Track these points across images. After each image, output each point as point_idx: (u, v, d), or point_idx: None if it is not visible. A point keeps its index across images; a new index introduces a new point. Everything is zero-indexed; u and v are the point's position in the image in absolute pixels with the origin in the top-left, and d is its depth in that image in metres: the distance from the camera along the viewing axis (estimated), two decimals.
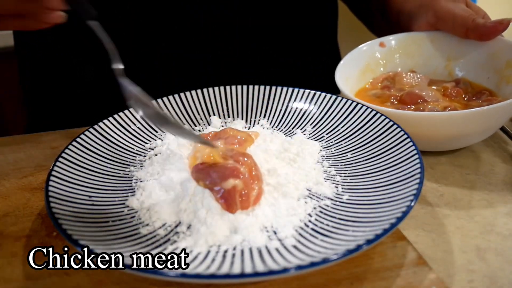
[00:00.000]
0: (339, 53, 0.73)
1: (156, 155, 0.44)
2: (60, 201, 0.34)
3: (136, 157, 0.44)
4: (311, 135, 0.46)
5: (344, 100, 0.47)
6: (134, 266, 0.27)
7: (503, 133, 0.50)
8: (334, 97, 0.48)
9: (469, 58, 0.55)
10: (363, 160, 0.41)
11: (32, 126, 0.67)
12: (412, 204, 0.31)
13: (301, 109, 0.49)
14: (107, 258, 0.28)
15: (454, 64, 0.56)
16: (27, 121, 0.68)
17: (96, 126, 0.44)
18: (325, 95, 0.49)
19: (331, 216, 0.34)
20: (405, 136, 0.39)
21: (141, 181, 0.40)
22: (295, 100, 0.50)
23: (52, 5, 0.38)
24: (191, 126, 0.49)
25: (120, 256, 0.28)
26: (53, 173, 0.37)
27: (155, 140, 0.47)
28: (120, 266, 0.27)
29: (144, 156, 0.44)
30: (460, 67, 0.55)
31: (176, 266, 0.29)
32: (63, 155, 0.39)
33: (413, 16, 0.56)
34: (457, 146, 0.47)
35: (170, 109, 0.50)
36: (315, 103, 0.49)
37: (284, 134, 0.47)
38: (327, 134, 0.46)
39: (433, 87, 0.52)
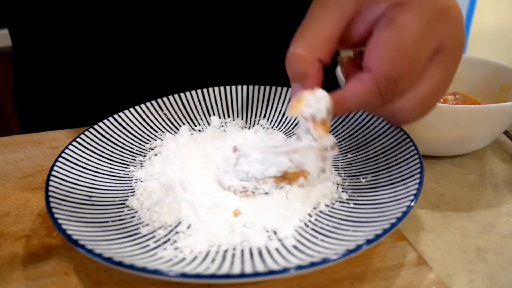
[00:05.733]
0: (339, 54, 0.73)
1: (156, 155, 0.44)
2: (60, 201, 0.34)
3: (136, 157, 0.44)
4: None
5: None
6: (134, 266, 0.27)
7: (503, 134, 0.50)
8: None
9: (464, 81, 0.55)
10: (363, 160, 0.41)
11: (28, 127, 0.67)
12: (412, 204, 0.31)
13: None
14: (107, 257, 0.28)
15: (450, 87, 0.56)
16: (20, 125, 0.68)
17: (96, 126, 0.44)
18: None
19: (331, 216, 0.34)
20: (405, 136, 0.39)
21: (141, 181, 0.40)
22: None
23: None
24: (191, 126, 0.49)
25: (120, 256, 0.28)
26: (53, 173, 0.37)
27: (155, 140, 0.47)
28: (120, 266, 0.27)
29: (144, 156, 0.44)
30: (455, 90, 0.55)
31: (176, 266, 0.29)
32: (63, 155, 0.39)
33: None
34: (460, 151, 0.47)
35: (170, 109, 0.50)
36: None
37: (284, 134, 0.47)
38: None
39: None
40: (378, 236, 0.28)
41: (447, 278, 0.32)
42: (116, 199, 0.38)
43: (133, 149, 0.45)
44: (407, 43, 0.30)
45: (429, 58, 0.32)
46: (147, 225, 0.34)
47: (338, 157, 0.42)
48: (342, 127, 0.46)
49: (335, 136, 0.45)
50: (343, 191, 0.37)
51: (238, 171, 0.38)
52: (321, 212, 0.35)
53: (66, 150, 0.40)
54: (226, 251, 0.31)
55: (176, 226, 0.34)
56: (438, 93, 0.34)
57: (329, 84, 0.54)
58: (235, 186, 0.37)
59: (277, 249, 0.31)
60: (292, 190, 0.36)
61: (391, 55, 0.31)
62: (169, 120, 0.49)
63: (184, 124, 0.49)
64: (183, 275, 0.27)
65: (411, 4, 0.31)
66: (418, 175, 0.34)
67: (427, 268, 0.31)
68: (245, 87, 0.52)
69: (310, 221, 0.34)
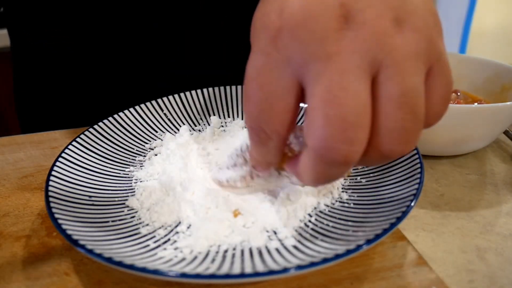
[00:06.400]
0: None
1: (156, 155, 0.44)
2: (60, 201, 0.34)
3: (136, 157, 0.44)
4: None
5: None
6: (134, 266, 0.27)
7: (503, 134, 0.50)
8: None
9: (466, 81, 0.55)
10: None
11: (27, 127, 0.67)
12: (412, 204, 0.31)
13: (300, 109, 0.49)
14: (107, 257, 0.28)
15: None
16: (20, 125, 0.69)
17: (96, 126, 0.44)
18: None
19: (331, 216, 0.34)
20: None
21: (141, 181, 0.40)
22: None
23: None
24: (191, 126, 0.49)
25: (120, 256, 0.28)
26: (53, 173, 0.37)
27: (155, 140, 0.47)
28: (120, 266, 0.27)
29: (144, 156, 0.44)
30: (456, 88, 0.55)
31: (176, 266, 0.29)
32: (63, 155, 0.39)
33: None
34: (460, 151, 0.47)
35: (170, 109, 0.50)
36: None
37: None
38: None
39: None
40: (378, 236, 0.28)
41: (447, 278, 0.32)
42: (116, 199, 0.38)
43: (133, 149, 0.45)
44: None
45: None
46: (147, 225, 0.34)
47: None
48: None
49: None
50: (343, 191, 0.37)
51: (229, 157, 0.37)
52: (321, 212, 0.35)
53: (66, 150, 0.40)
54: (226, 251, 0.31)
55: (176, 226, 0.34)
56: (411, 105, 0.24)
57: None
58: (233, 177, 0.36)
59: (277, 249, 0.31)
60: (292, 190, 0.36)
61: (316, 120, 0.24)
62: (169, 120, 0.49)
63: (184, 124, 0.49)
64: (183, 275, 0.27)
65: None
66: (418, 175, 0.34)
67: (427, 268, 0.31)
68: None
69: (310, 221, 0.34)
